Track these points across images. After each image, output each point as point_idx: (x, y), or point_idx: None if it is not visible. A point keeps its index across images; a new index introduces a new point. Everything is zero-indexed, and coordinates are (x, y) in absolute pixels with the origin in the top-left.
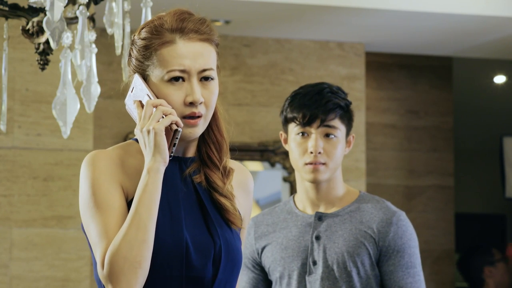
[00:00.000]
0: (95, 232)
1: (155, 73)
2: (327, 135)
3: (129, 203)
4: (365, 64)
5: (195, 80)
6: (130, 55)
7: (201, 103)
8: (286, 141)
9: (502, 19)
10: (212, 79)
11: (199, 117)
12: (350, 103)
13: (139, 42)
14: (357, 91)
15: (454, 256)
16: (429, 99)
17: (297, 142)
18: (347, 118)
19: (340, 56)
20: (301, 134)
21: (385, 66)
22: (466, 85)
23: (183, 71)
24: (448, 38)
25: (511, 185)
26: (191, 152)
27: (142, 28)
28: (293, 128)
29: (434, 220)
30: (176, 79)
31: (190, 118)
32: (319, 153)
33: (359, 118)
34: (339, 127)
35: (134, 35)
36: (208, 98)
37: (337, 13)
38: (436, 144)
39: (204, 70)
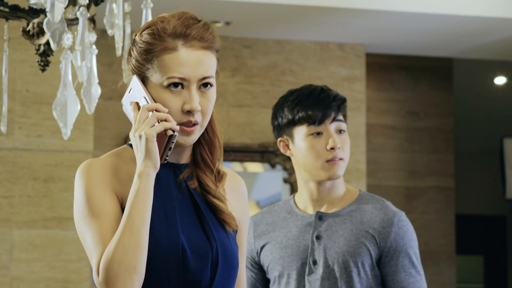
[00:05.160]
0: (90, 239)
1: (155, 77)
2: (339, 131)
3: (124, 210)
4: (366, 65)
5: (194, 88)
6: (130, 54)
7: (198, 111)
8: (288, 147)
9: (502, 20)
10: (211, 86)
11: (195, 124)
12: None
13: (141, 45)
14: (357, 92)
15: (454, 257)
16: (429, 100)
17: (311, 143)
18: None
19: (340, 57)
20: (315, 134)
21: (385, 67)
22: (466, 86)
23: (182, 79)
24: (449, 39)
25: (511, 186)
26: (185, 158)
27: (144, 29)
28: (303, 129)
29: (434, 221)
30: (175, 85)
31: (186, 125)
32: (338, 148)
33: (360, 119)
34: (345, 122)
35: (136, 35)
36: (205, 106)
37: (337, 14)
38: (437, 145)
39: (204, 78)
